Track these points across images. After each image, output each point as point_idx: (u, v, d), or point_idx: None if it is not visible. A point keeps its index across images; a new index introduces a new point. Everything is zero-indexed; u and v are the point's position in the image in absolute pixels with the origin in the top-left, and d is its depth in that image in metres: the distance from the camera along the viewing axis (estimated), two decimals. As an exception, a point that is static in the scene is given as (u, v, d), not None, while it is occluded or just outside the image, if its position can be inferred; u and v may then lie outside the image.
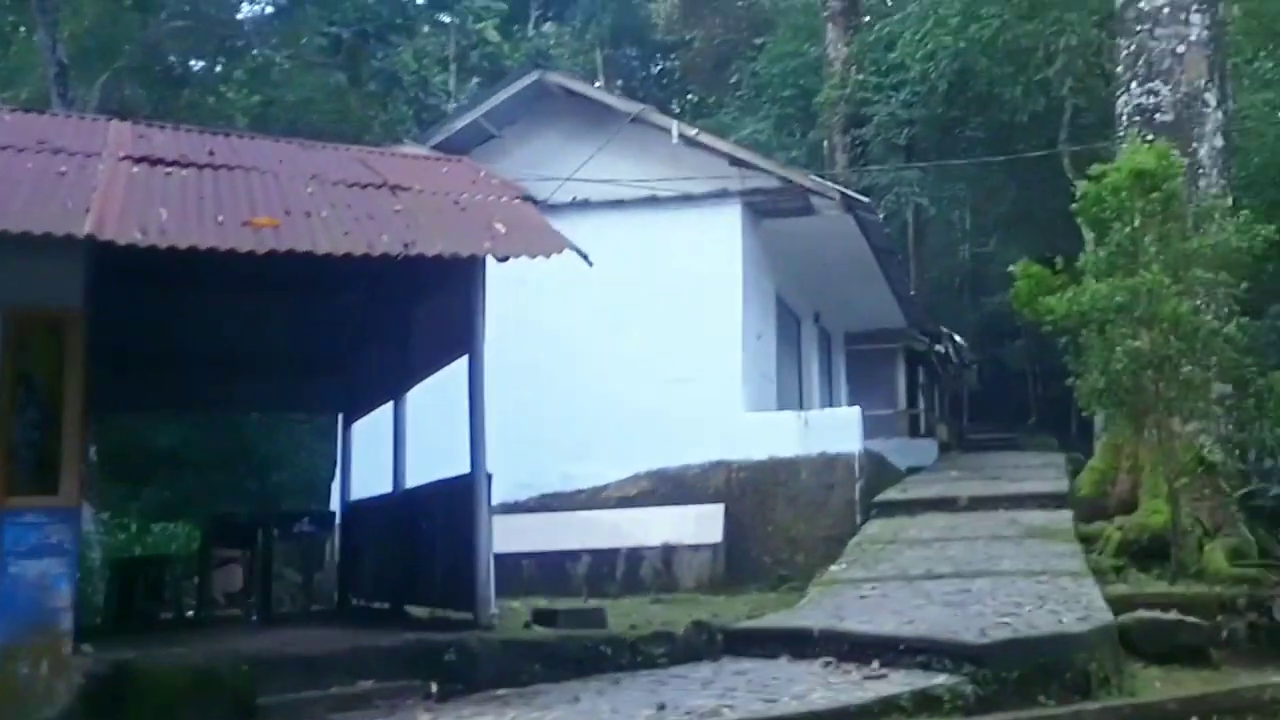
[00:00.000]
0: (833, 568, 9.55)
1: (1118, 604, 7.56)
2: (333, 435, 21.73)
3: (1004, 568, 8.72)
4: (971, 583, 8.17)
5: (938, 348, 23.25)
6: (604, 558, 12.81)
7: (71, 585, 6.76)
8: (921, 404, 24.17)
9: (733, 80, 31.89)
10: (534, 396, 13.03)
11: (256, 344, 10.74)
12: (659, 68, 43.32)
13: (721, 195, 14.46)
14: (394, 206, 8.10)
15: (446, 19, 19.70)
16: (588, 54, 37.23)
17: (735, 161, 14.69)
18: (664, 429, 13.25)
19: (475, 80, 27.91)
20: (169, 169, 8.02)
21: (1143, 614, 7.62)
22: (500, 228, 7.82)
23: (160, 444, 18.84)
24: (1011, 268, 10.92)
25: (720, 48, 36.52)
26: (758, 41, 32.15)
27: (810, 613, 7.84)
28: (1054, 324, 10.39)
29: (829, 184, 15.25)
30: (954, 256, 32.87)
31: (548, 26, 35.68)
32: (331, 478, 20.81)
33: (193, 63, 19.07)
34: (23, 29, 16.43)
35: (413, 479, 10.08)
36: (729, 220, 14.39)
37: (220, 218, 7.08)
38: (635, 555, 12.84)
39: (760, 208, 14.75)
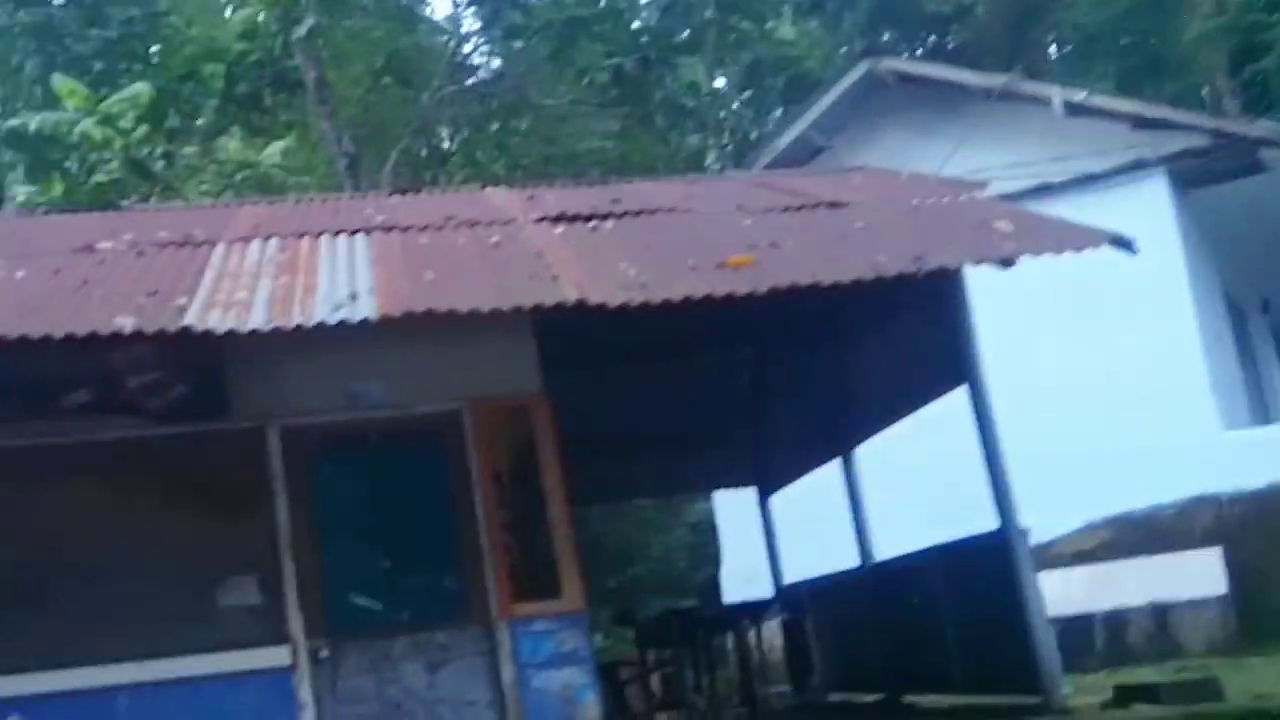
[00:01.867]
0: None
1: None
2: (674, 525, 22.08)
3: None
4: None
5: None
6: (1076, 625, 12.11)
7: (596, 696, 7.01)
8: None
9: (1050, 38, 31.03)
10: (945, 446, 12.62)
11: (667, 419, 10.86)
12: (927, 47, 42.71)
13: (1135, 168, 13.72)
14: (853, 224, 7.98)
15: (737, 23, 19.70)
16: (844, 47, 37.18)
17: (1142, 124, 14.00)
18: (1116, 464, 12.41)
19: (745, 92, 27.75)
20: (589, 224, 8.20)
21: None
22: (1004, 226, 7.57)
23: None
24: None
25: (1014, 6, 35.76)
26: (1065, -11, 31.25)
27: None
28: None
29: (1285, 129, 14.22)
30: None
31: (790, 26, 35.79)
32: (691, 567, 21.04)
33: (461, 132, 20.05)
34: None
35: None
36: (1152, 197, 13.60)
37: (691, 263, 7.10)
38: (1116, 619, 12.27)
39: (1187, 176, 13.91)
